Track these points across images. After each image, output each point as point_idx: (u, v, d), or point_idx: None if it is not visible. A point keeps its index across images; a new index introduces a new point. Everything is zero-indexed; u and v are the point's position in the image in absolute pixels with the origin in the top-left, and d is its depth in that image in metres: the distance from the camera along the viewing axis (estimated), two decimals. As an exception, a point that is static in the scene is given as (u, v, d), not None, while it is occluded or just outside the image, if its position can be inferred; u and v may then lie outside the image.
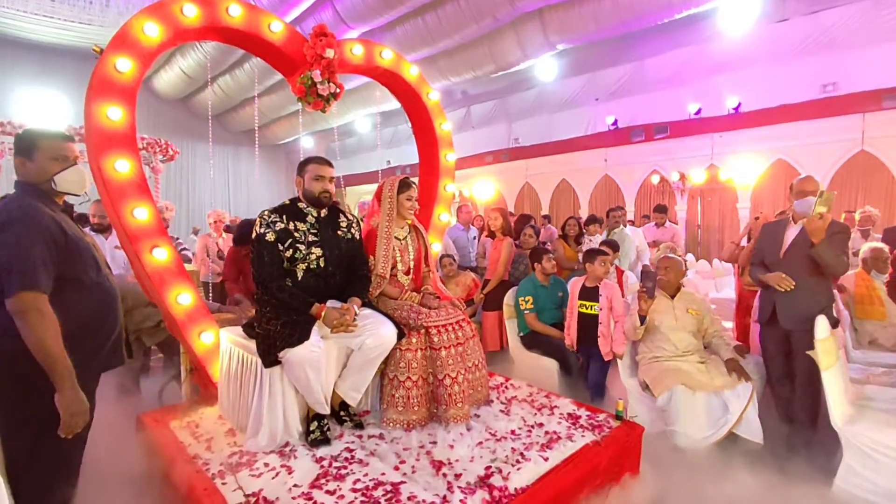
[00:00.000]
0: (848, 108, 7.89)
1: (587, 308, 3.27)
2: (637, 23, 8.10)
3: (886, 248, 3.61)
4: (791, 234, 2.72)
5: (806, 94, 8.34)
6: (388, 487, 1.75)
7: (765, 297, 2.83)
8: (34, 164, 1.64)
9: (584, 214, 10.50)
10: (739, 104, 9.16)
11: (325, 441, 2.07)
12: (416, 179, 3.03)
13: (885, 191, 7.79)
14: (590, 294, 3.30)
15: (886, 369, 2.97)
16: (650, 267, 3.14)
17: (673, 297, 2.99)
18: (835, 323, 2.56)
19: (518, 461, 1.94)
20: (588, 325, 3.24)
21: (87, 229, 3.50)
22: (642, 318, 2.86)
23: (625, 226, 5.06)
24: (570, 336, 3.31)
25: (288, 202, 2.24)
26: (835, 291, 2.99)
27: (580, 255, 4.08)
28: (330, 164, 2.28)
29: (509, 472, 1.84)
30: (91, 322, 1.67)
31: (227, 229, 5.38)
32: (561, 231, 4.89)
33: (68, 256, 1.58)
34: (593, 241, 4.58)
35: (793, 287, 2.57)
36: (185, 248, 5.30)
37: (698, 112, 9.70)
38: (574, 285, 3.41)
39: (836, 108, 8.02)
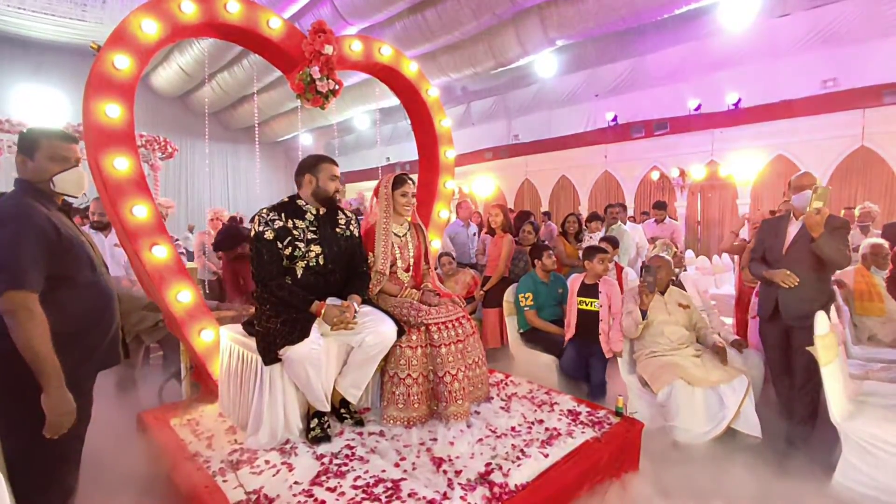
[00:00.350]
0: (848, 104, 7.88)
1: (587, 305, 3.28)
2: (637, 19, 8.07)
3: (886, 243, 3.60)
4: (793, 230, 2.73)
5: (806, 89, 8.32)
6: (389, 484, 1.75)
7: (766, 292, 2.84)
8: (34, 164, 1.64)
9: (584, 211, 10.52)
10: (739, 100, 9.14)
11: (326, 438, 2.07)
12: (415, 176, 3.04)
13: (886, 187, 7.79)
14: (589, 291, 3.31)
15: (886, 365, 2.98)
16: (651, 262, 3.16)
17: (663, 293, 3.08)
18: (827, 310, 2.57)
19: (518, 458, 1.94)
20: (588, 321, 3.25)
21: (86, 227, 3.51)
22: (644, 313, 2.90)
23: (624, 222, 5.05)
24: (570, 333, 3.32)
25: (287, 200, 2.24)
26: (834, 287, 3.00)
27: (580, 252, 4.09)
28: (337, 164, 2.32)
29: (510, 469, 1.85)
30: (86, 321, 1.67)
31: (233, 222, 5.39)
32: (561, 228, 4.89)
33: (62, 255, 1.58)
34: (593, 237, 4.58)
35: (797, 283, 2.59)
36: (181, 252, 5.31)
37: (698, 108, 9.68)
38: (574, 282, 3.42)
39: (836, 103, 8.01)
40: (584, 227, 4.85)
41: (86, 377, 1.70)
